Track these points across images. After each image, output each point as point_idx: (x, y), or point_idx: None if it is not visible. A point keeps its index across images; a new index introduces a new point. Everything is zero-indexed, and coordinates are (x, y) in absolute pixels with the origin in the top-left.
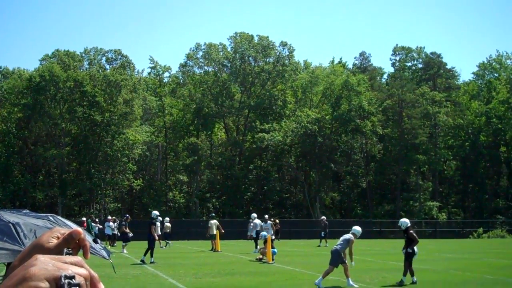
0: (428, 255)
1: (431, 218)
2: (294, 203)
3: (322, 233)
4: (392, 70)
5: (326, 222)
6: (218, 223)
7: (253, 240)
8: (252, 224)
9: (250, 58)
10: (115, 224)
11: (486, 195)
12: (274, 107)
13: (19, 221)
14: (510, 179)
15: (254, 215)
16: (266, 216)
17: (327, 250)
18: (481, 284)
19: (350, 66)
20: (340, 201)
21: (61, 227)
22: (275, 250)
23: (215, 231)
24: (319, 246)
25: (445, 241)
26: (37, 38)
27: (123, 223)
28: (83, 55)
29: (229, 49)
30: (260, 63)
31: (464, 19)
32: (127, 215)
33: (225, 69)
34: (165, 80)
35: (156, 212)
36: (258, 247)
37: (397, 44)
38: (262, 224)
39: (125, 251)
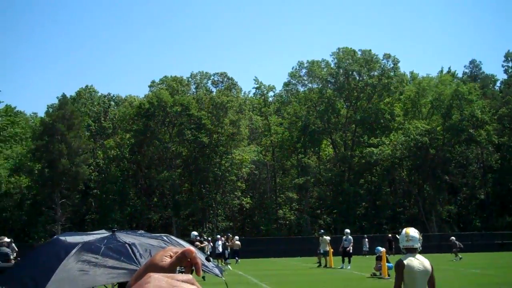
0: None
1: None
2: (409, 217)
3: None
4: (505, 77)
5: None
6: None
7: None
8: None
9: (354, 73)
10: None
11: None
12: (382, 121)
13: (134, 241)
14: None
15: (322, 231)
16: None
17: (446, 264)
18: None
19: (460, 75)
20: (457, 213)
21: (174, 246)
22: (391, 265)
23: (327, 248)
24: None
25: None
26: (146, 65)
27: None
28: (190, 79)
29: (332, 65)
30: (365, 77)
31: None
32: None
33: (329, 85)
34: (270, 99)
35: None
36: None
37: (508, 50)
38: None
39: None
